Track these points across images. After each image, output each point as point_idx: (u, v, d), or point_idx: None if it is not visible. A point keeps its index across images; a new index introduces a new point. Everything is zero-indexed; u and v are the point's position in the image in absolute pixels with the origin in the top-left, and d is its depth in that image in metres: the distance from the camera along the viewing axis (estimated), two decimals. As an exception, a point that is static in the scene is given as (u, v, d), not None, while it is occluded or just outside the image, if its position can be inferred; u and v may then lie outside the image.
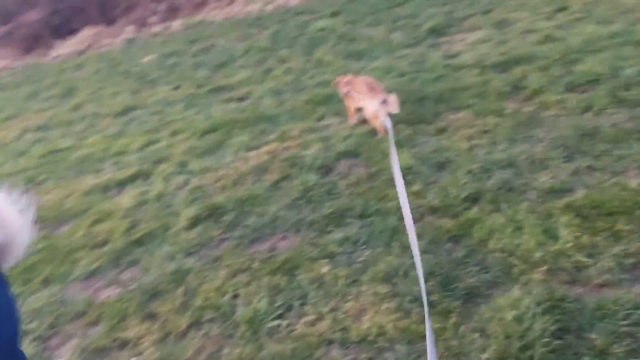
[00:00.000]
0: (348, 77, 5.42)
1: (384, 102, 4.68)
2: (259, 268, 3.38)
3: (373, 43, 8.13)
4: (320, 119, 5.71)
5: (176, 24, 14.53)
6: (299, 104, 6.33)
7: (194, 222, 4.16)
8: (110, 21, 15.94)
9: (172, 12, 15.73)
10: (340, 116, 5.60)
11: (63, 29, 15.78)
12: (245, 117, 6.30)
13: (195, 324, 3.03)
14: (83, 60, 12.81)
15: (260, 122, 6.05)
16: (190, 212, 4.29)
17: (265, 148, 5.25)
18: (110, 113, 7.96)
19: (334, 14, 10.80)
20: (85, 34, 15.15)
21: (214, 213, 4.23)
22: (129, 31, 14.84)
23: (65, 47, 14.86)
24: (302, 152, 4.94)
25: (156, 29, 14.65)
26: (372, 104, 4.80)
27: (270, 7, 13.89)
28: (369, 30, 9.03)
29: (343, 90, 5.35)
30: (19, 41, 15.52)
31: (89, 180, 5.58)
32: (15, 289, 3.78)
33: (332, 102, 5.96)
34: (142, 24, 15.28)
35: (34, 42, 15.48)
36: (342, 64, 7.50)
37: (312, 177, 4.35)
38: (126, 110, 7.91)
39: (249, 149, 5.41)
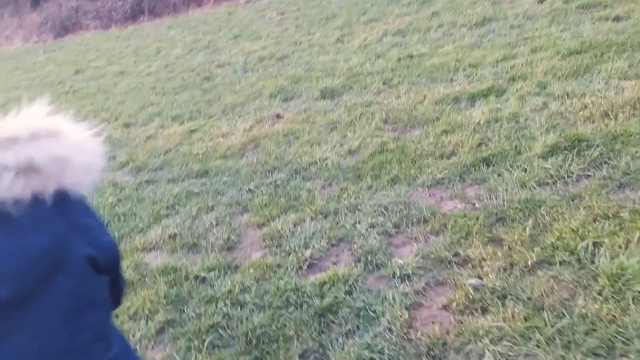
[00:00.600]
0: None
1: None
2: (630, 219, 2.88)
3: None
4: None
5: None
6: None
7: (551, 151, 3.78)
8: None
9: None
10: None
11: None
12: (623, 40, 5.41)
13: (545, 262, 2.77)
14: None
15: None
16: (549, 139, 3.90)
17: (648, 79, 4.42)
18: (467, 23, 7.76)
19: None
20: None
21: (576, 145, 3.76)
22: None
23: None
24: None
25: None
26: None
27: None
28: None
29: None
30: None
31: (441, 89, 5.56)
32: (365, 184, 4.07)
33: None
34: None
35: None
36: None
37: None
38: (484, 21, 7.60)
39: (626, 77, 4.64)
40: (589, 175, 3.43)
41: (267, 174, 4.77)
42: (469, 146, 4.19)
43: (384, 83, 6.30)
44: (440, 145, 4.38)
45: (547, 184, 3.46)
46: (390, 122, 5.18)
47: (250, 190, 4.54)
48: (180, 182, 5.10)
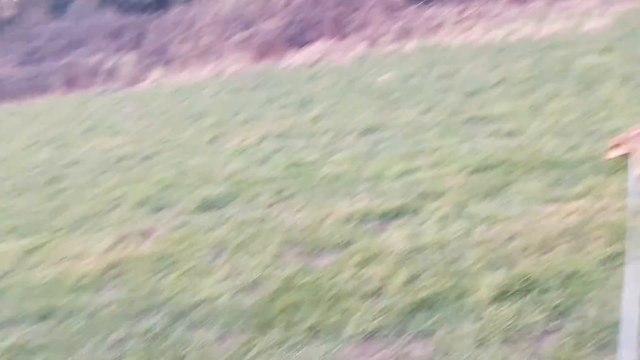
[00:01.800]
0: None
1: None
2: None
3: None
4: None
5: (410, 45, 13.91)
6: (597, 151, 5.05)
7: (501, 295, 3.15)
8: (342, 36, 15.91)
9: (406, 32, 15.20)
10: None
11: (297, 40, 16.10)
12: (526, 159, 5.19)
13: None
14: (315, 71, 12.72)
15: (548, 167, 4.91)
16: (494, 279, 3.28)
17: (572, 205, 4.09)
18: (354, 130, 7.36)
19: (606, 51, 9.22)
20: (318, 46, 15.23)
21: (527, 287, 3.17)
22: (360, 47, 14.58)
23: (297, 57, 15.06)
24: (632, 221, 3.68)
25: (389, 47, 14.17)
26: None
27: (514, 37, 12.63)
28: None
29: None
30: (255, 47, 16.13)
31: (344, 205, 4.88)
32: (276, 336, 3.11)
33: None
34: (374, 41, 14.95)
35: (268, 49, 15.98)
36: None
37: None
38: (371, 129, 7.26)
39: (546, 201, 4.30)
40: (557, 329, 2.81)
41: (138, 317, 3.62)
42: (397, 284, 3.45)
43: (275, 194, 5.51)
44: (361, 280, 3.59)
45: (511, 341, 2.78)
46: (292, 245, 4.33)
47: (114, 345, 3.35)
48: (12, 328, 3.74)
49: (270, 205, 5.29)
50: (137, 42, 18.10)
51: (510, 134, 6.12)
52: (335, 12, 16.36)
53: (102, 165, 7.82)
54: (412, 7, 16.21)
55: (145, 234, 5.05)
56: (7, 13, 21.34)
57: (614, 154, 4.56)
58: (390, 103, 8.52)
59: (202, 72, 15.75)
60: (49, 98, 15.64)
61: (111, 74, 16.53)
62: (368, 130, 7.25)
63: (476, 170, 5.16)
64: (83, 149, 8.99)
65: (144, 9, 20.59)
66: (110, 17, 19.62)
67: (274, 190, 5.61)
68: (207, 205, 5.50)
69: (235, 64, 15.53)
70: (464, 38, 13.75)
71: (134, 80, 16.23)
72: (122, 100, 13.30)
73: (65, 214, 5.93)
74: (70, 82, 16.58)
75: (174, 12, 19.15)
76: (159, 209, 5.69)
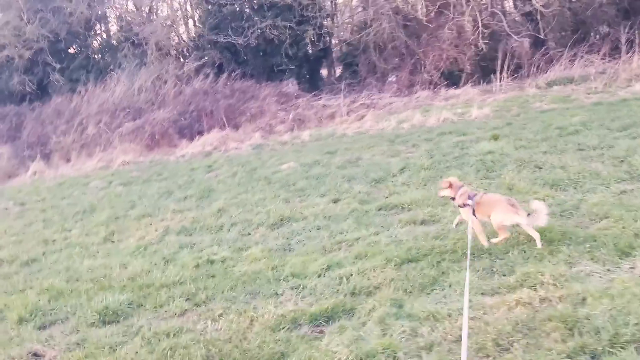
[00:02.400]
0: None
1: (530, 215, 4.79)
2: None
3: (573, 173, 6.89)
4: (569, 262, 4.41)
5: (306, 134, 14.06)
6: (521, 237, 5.07)
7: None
8: (236, 126, 15.81)
9: (300, 122, 15.42)
10: (599, 262, 4.30)
11: (189, 130, 15.75)
12: (450, 248, 5.10)
13: None
14: (212, 161, 12.36)
15: (477, 255, 4.83)
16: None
17: (513, 296, 3.97)
18: (264, 222, 7.02)
19: (495, 137, 9.78)
20: (212, 136, 14.96)
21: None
22: (256, 137, 14.51)
23: (191, 147, 14.67)
24: (579, 310, 3.61)
25: (285, 137, 14.22)
26: (519, 217, 4.83)
27: (405, 126, 13.20)
28: (552, 157, 7.85)
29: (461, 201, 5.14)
30: (145, 138, 15.54)
31: (270, 308, 4.44)
32: None
33: (574, 239, 4.71)
34: (269, 131, 14.98)
35: (159, 139, 15.45)
36: (546, 192, 6.27)
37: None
38: (282, 221, 6.95)
39: (484, 292, 4.16)
40: None
41: None
42: (351, 402, 3.04)
43: (187, 299, 4.95)
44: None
45: None
46: (217, 357, 3.79)
47: None
48: None
49: (184, 313, 4.72)
50: (14, 134, 16.80)
51: (425, 222, 6.07)
52: (228, 101, 16.31)
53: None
54: (304, 98, 16.58)
55: (34, 357, 4.25)
56: None
57: (443, 193, 5.40)
58: (296, 193, 8.31)
59: (88, 164, 14.82)
60: None
61: (-18, 167, 15.08)
62: (279, 222, 6.94)
63: (403, 262, 4.97)
64: (-51, 254, 7.81)
65: (22, 98, 19.37)
66: (-19, 107, 18.21)
67: (186, 294, 5.06)
68: (109, 317, 4.81)
69: (124, 155, 14.78)
70: (357, 127, 14.16)
71: (11, 173, 14.88)
72: (-4, 196, 12.03)
73: None
74: None
75: (56, 102, 18.16)
76: (51, 326, 4.89)
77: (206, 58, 18.95)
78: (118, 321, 4.78)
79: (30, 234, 8.36)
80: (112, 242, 7.37)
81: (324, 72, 23.40)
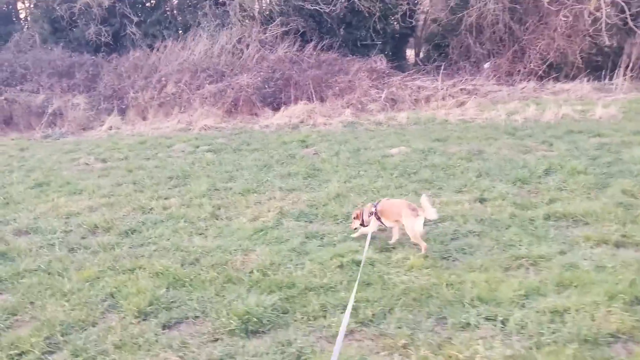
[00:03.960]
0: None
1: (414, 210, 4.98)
2: None
3: None
4: None
5: (401, 116, 12.88)
6: None
7: None
8: (322, 100, 14.73)
9: (393, 102, 14.24)
10: None
11: (273, 99, 14.76)
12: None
13: None
14: (304, 136, 11.33)
15: None
16: None
17: None
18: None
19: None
20: (298, 108, 13.93)
21: None
22: (346, 114, 13.40)
23: (276, 118, 13.67)
24: None
25: (379, 116, 13.08)
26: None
27: (518, 118, 11.87)
28: None
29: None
30: (228, 103, 14.62)
31: (476, 349, 3.38)
32: None
33: None
34: (360, 108, 13.85)
35: (242, 106, 14.52)
36: None
37: None
38: (426, 219, 5.87)
39: None
40: None
41: None
42: None
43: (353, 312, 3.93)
44: None
45: None
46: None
47: None
48: None
49: (351, 332, 3.71)
50: (89, 85, 16.11)
51: (622, 245, 4.91)
52: (315, 73, 15.21)
53: (70, 238, 5.94)
54: (398, 77, 15.35)
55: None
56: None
57: (354, 225, 5.50)
58: (422, 184, 7.22)
59: (166, 124, 13.99)
60: (-19, 138, 13.30)
61: (58, 116, 14.41)
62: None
63: (634, 301, 3.83)
64: (37, 210, 7.02)
65: (97, 48, 18.73)
66: (58, 54, 17.56)
67: (357, 305, 4.05)
68: (252, 326, 3.85)
69: (204, 119, 13.89)
70: (459, 114, 12.90)
71: (85, 126, 14.20)
72: (74, 149, 11.28)
73: (22, 328, 4.05)
74: (8, 122, 14.29)
75: (134, 56, 17.41)
76: (177, 323, 3.97)
77: (292, 24, 17.90)
78: (264, 332, 3.81)
79: (122, 196, 7.50)
80: (221, 219, 6.42)
81: (408, 51, 22.08)
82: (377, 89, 14.65)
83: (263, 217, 6.34)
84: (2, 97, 14.71)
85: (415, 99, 14.35)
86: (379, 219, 5.25)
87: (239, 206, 6.82)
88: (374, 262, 4.87)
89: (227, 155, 10.07)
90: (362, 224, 5.41)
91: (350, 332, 3.72)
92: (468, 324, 3.71)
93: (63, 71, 16.55)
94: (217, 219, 6.43)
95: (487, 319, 3.76)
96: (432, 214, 4.84)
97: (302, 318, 3.94)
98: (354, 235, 5.51)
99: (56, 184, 8.35)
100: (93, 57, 17.65)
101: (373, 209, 5.30)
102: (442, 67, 16.72)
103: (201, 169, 8.94)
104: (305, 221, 6.18)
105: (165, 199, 7.34)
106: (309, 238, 5.61)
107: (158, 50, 17.52)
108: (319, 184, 7.70)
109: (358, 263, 4.79)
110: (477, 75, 16.82)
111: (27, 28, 21.04)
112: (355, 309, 3.98)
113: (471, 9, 17.03)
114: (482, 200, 6.40)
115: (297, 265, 4.89)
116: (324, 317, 3.93)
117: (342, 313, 3.93)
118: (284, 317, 3.97)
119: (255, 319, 3.88)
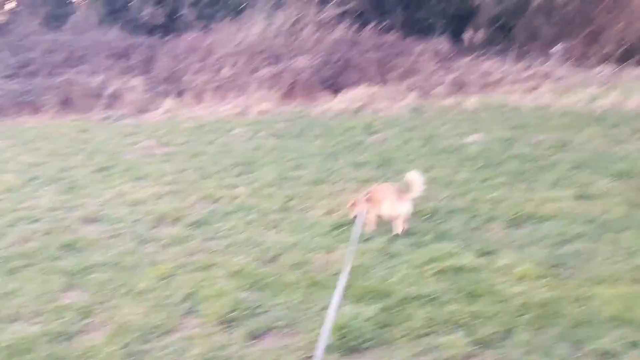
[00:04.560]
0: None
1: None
2: None
3: None
4: None
5: (471, 101, 12.16)
6: None
7: None
8: (383, 83, 14.11)
9: (460, 85, 13.50)
10: None
11: (332, 83, 14.23)
12: None
13: None
14: (368, 122, 10.78)
15: None
16: None
17: None
18: (494, 216, 5.40)
19: None
20: (359, 92, 13.36)
21: None
22: (411, 98, 12.77)
23: (335, 102, 13.15)
24: None
25: (446, 101, 12.40)
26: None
27: (600, 105, 10.99)
28: None
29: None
30: (284, 86, 14.18)
31: None
32: None
33: None
34: (425, 92, 13.17)
35: (300, 89, 14.05)
36: None
37: None
38: (520, 218, 5.29)
39: None
40: None
41: None
42: None
43: (458, 328, 3.42)
44: None
45: None
46: None
47: None
48: None
49: (469, 357, 3.20)
50: (146, 66, 15.92)
51: None
52: (376, 55, 14.59)
53: (139, 228, 5.60)
54: (466, 59, 14.57)
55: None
56: (-2, 19, 19.01)
57: (352, 213, 5.28)
58: (512, 177, 6.61)
59: (222, 108, 13.66)
60: (41, 119, 13.25)
61: (115, 98, 14.28)
62: (515, 219, 5.30)
63: None
64: (103, 196, 6.75)
65: (151, 30, 18.54)
66: (114, 35, 17.46)
67: (454, 320, 3.54)
68: (350, 340, 3.38)
69: (261, 103, 13.50)
70: (532, 99, 12.09)
71: (142, 108, 14.01)
72: (134, 131, 11.06)
73: (99, 321, 3.69)
74: (66, 103, 14.23)
75: (188, 38, 17.12)
76: (263, 334, 3.55)
77: (349, 5, 17.26)
78: (364, 349, 3.35)
79: (187, 184, 7.16)
80: (294, 211, 5.98)
81: (470, 33, 21.10)
82: (442, 72, 13.93)
83: (339, 210, 5.86)
84: (62, 79, 14.66)
85: (483, 83, 13.58)
86: (370, 205, 5.13)
87: (312, 198, 6.36)
88: (476, 268, 4.32)
89: (290, 141, 9.64)
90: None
91: (467, 356, 3.21)
92: (607, 352, 3.15)
93: (119, 53, 16.43)
94: (289, 212, 5.99)
95: (633, 345, 3.18)
96: (418, 189, 4.92)
97: (406, 335, 3.44)
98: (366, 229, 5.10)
99: (119, 169, 8.09)
100: (149, 38, 17.47)
101: (366, 196, 5.24)
102: (510, 50, 15.80)
103: (265, 156, 8.54)
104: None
105: (232, 187, 6.95)
106: (394, 237, 5.10)
107: (213, 31, 17.20)
108: (394, 174, 7.16)
109: (459, 270, 4.26)
110: (546, 58, 15.85)
111: (83, 10, 21.06)
112: (468, 325, 3.47)
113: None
114: (583, 197, 5.75)
115: (388, 269, 4.40)
116: (430, 334, 3.43)
117: (451, 331, 3.43)
118: (384, 333, 3.49)
119: (354, 334, 3.41)
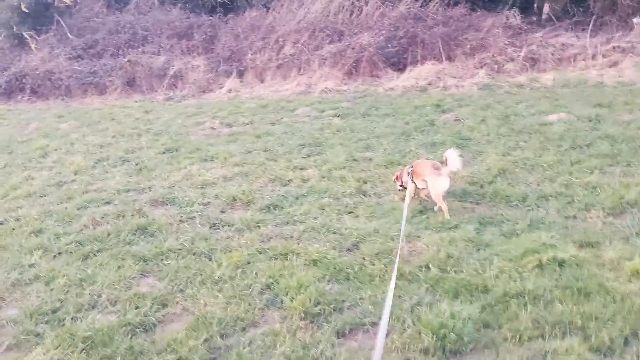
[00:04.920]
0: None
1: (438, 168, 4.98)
2: None
3: None
4: None
5: (546, 78, 11.44)
6: None
7: None
8: (450, 59, 13.49)
9: (533, 61, 12.74)
10: None
11: (397, 60, 13.72)
12: None
13: None
14: (437, 100, 10.28)
15: None
16: None
17: None
18: (594, 203, 4.93)
19: None
20: (425, 69, 12.83)
21: None
22: (480, 75, 12.14)
23: (401, 80, 12.68)
24: None
25: (519, 78, 11.72)
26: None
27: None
28: None
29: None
30: (347, 64, 13.78)
31: None
32: None
33: None
34: (495, 69, 12.49)
35: (364, 67, 13.62)
36: None
37: None
38: (626, 206, 4.79)
39: None
40: None
41: None
42: None
43: (568, 331, 3.05)
44: None
45: None
46: None
47: None
48: None
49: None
50: (207, 46, 15.84)
51: None
52: (444, 29, 13.94)
53: (210, 212, 5.43)
54: (539, 33, 13.74)
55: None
56: (63, 1, 19.33)
57: (398, 184, 5.43)
58: (603, 160, 6.06)
59: (284, 87, 13.44)
60: (107, 100, 13.40)
61: (178, 78, 14.28)
62: (620, 207, 4.79)
63: None
64: (172, 178, 6.64)
65: (212, 9, 18.43)
66: (176, 15, 17.45)
67: (555, 320, 3.18)
68: (450, 344, 3.07)
69: (324, 81, 13.17)
70: (614, 75, 11.26)
71: (205, 88, 13.96)
72: (197, 112, 10.97)
73: (169, 324, 3.52)
74: (130, 84, 14.34)
75: (249, 16, 16.90)
76: (352, 332, 3.28)
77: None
78: (466, 353, 3.03)
79: (255, 165, 6.96)
80: (369, 195, 5.68)
81: (541, 4, 20.00)
82: (514, 47, 13.17)
83: (415, 196, 5.51)
84: (126, 59, 14.77)
85: (558, 58, 12.76)
86: (412, 180, 5.17)
87: (386, 181, 6.03)
88: (581, 261, 3.90)
89: (356, 120, 9.29)
90: (402, 186, 5.36)
91: (585, 364, 2.85)
92: None
93: (182, 32, 16.38)
94: (364, 196, 5.69)
95: None
96: (456, 164, 4.91)
97: (512, 337, 3.10)
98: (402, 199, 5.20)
99: (186, 150, 7.98)
100: (210, 17, 17.38)
101: (410, 170, 5.24)
102: (586, 23, 14.80)
103: (332, 136, 8.23)
104: (471, 202, 5.29)
105: (302, 169, 6.71)
106: (483, 225, 4.73)
107: (274, 9, 16.93)
108: (472, 156, 6.76)
109: (562, 263, 3.86)
110: (626, 31, 14.77)
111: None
112: (582, 328, 3.09)
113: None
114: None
115: (481, 261, 4.04)
116: (542, 337, 3.07)
117: (563, 335, 3.06)
118: (487, 334, 3.16)
119: (453, 335, 3.09)
